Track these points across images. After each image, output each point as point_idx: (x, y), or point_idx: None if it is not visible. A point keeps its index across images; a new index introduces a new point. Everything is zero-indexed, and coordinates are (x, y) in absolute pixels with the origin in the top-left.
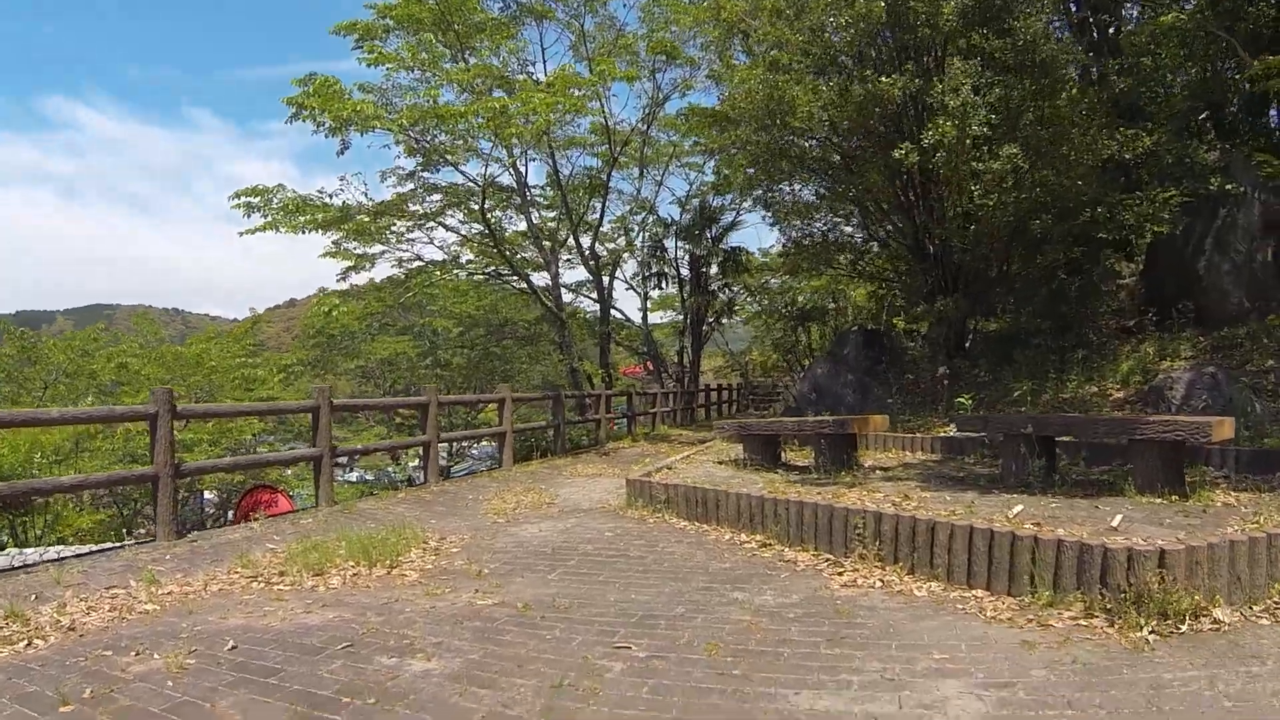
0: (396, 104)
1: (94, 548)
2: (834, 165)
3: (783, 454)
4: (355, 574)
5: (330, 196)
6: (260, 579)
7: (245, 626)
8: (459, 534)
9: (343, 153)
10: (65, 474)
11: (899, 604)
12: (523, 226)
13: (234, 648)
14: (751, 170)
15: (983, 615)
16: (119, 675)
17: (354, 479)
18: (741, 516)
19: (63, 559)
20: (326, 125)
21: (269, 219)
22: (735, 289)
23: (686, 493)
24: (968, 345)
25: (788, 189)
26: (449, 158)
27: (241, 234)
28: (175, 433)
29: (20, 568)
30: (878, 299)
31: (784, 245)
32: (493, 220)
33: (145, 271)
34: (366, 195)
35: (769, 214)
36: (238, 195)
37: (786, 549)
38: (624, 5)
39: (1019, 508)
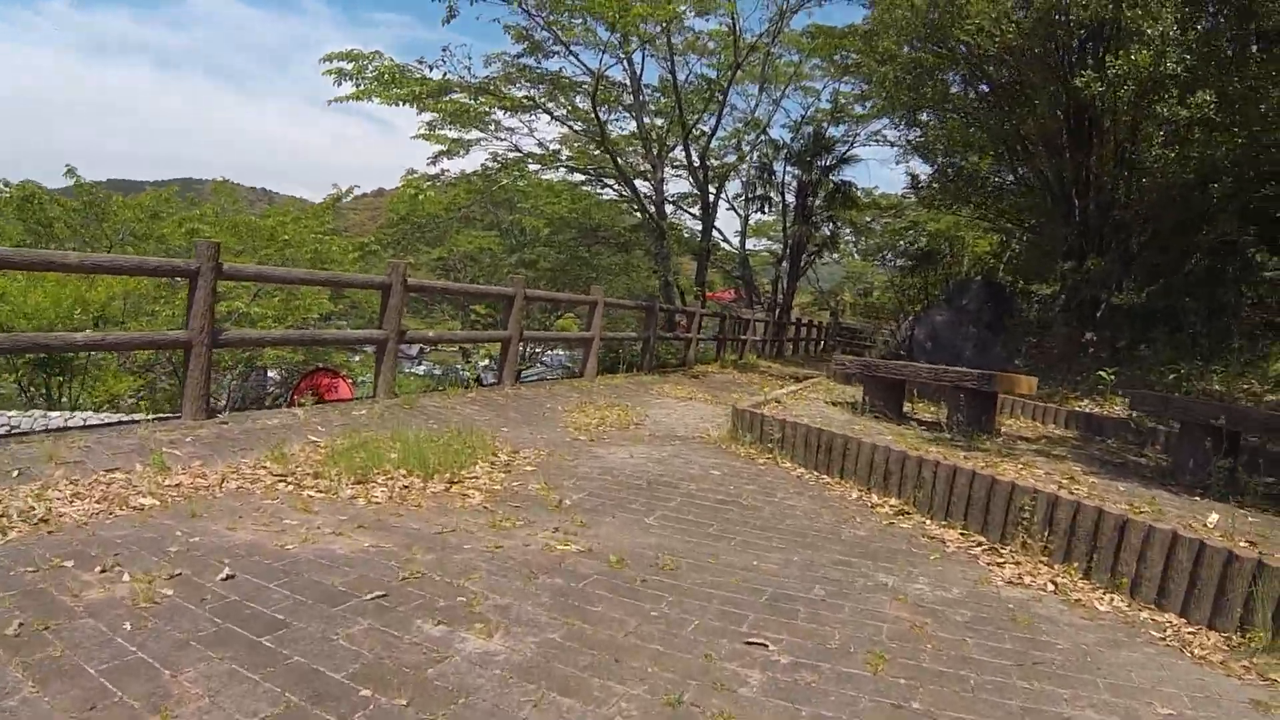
0: None
1: (113, 418)
2: (996, 90)
3: (906, 405)
4: (406, 486)
5: (430, 68)
6: (290, 479)
7: (253, 546)
8: (535, 448)
9: (449, 19)
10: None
11: (1083, 620)
12: (629, 129)
13: (229, 578)
14: (890, 95)
15: (1188, 652)
16: (68, 603)
17: (420, 372)
18: (874, 473)
19: (67, 428)
20: None
21: (362, 87)
22: (840, 224)
23: (807, 434)
24: (1099, 315)
25: (931, 116)
26: (562, 36)
27: (331, 102)
28: (241, 305)
29: (13, 434)
30: (998, 252)
31: (916, 179)
32: (602, 115)
33: (237, 148)
34: (470, 71)
35: (902, 143)
36: (329, 58)
37: (929, 521)
38: None
39: (1215, 516)
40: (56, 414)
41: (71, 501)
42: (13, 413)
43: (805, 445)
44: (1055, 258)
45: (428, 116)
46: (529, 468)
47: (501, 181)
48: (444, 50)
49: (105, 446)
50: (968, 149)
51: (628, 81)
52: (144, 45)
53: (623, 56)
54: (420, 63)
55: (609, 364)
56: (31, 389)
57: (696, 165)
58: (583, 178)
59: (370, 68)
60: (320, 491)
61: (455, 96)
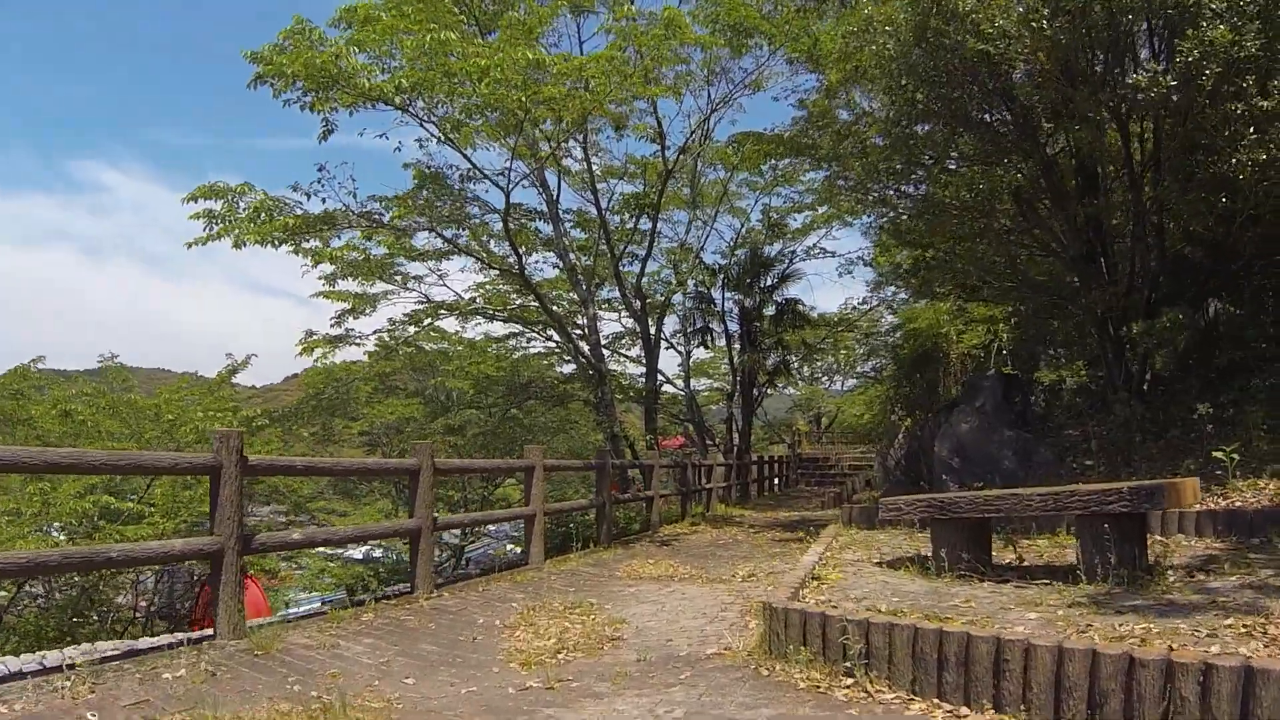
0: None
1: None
2: (1018, 117)
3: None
4: None
5: (307, 196)
6: None
7: None
8: None
9: (326, 137)
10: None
11: None
12: (551, 274)
13: None
14: (864, 173)
15: None
16: None
17: (359, 556)
18: (1071, 697)
19: None
20: (298, 88)
21: (231, 227)
22: (788, 349)
23: (914, 637)
24: (1156, 382)
25: (915, 187)
26: (460, 146)
27: (190, 245)
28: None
29: None
30: (986, 344)
31: (899, 266)
32: (520, 252)
33: (166, 335)
34: (355, 197)
35: (873, 231)
36: (193, 197)
37: None
38: None
39: None
40: None
41: None
42: None
43: (915, 658)
44: (1056, 337)
45: (327, 269)
46: None
47: (412, 335)
48: (320, 170)
49: None
50: (973, 210)
51: (543, 206)
52: (68, 233)
53: (535, 167)
54: (295, 189)
55: (559, 541)
56: None
57: (632, 297)
58: (507, 330)
59: (241, 204)
60: None
61: (349, 239)
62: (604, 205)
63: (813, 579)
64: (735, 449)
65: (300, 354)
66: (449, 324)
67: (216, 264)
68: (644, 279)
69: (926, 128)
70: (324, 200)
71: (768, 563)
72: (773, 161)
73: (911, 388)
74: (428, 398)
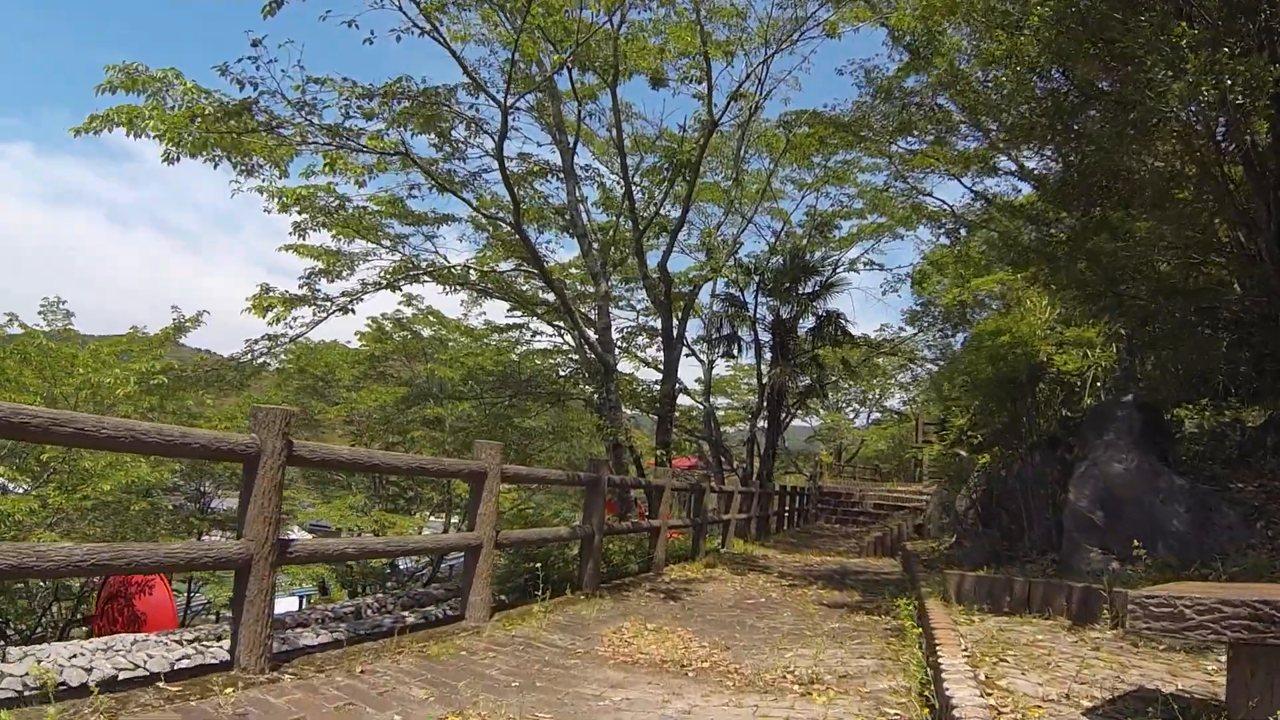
0: None
1: None
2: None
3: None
4: None
5: (240, 85)
6: None
7: None
8: None
9: (274, 10)
10: None
11: None
12: (562, 256)
13: None
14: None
15: None
16: None
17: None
18: None
19: None
20: None
21: (138, 118)
22: (825, 368)
23: None
24: None
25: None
26: (441, 27)
27: (78, 131)
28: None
29: None
30: (1094, 367)
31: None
32: (512, 183)
33: (187, 307)
34: (303, 92)
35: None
36: (110, 87)
37: None
38: None
39: None
40: None
41: None
42: None
43: None
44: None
45: (298, 219)
46: None
47: (407, 318)
48: (255, 47)
49: None
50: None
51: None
52: (98, 199)
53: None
54: (223, 73)
55: (521, 582)
56: None
57: (656, 275)
58: (509, 321)
59: (170, 99)
60: None
61: (310, 171)
62: (631, 173)
63: None
64: (754, 475)
65: (250, 311)
66: (451, 310)
67: (239, 239)
68: (670, 260)
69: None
70: (256, 89)
71: (832, 650)
72: (822, 158)
73: (991, 417)
74: (417, 387)
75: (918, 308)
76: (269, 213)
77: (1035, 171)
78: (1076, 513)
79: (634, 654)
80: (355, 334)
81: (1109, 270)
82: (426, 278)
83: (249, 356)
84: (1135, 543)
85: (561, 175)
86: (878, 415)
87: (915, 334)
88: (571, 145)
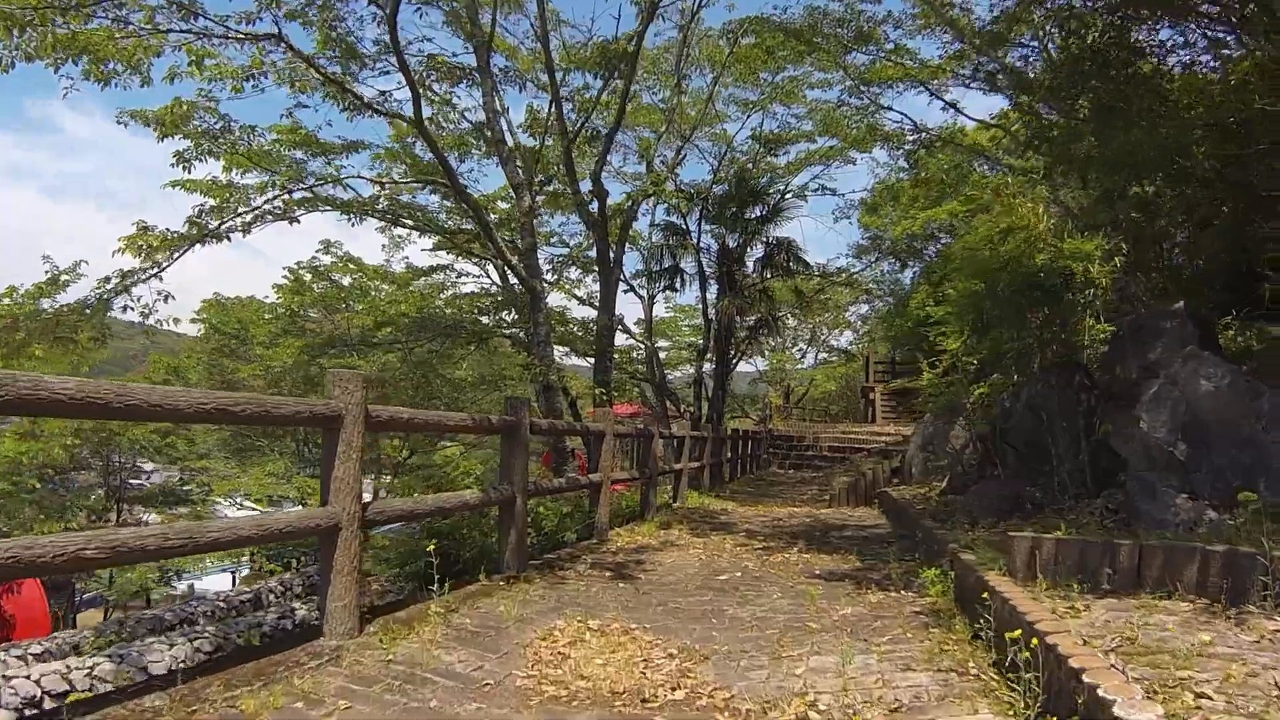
0: None
1: None
2: None
3: None
4: None
5: None
6: None
7: None
8: None
9: None
10: None
11: None
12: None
13: None
14: None
15: None
16: None
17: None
18: None
19: None
20: None
21: None
22: (775, 303)
23: None
24: None
25: None
26: None
27: None
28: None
29: None
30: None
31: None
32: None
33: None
34: None
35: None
36: None
37: None
38: None
39: None
40: None
41: None
42: None
43: None
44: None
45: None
46: None
47: (324, 265)
48: None
49: None
50: None
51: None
52: (32, 170)
53: None
54: None
55: (422, 566)
56: None
57: (588, 191)
58: (434, 262)
59: None
60: None
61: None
62: (559, 77)
63: None
64: (703, 419)
65: (123, 253)
66: (372, 257)
67: (170, 206)
68: (606, 185)
69: None
70: None
71: (861, 656)
72: (770, 73)
73: (994, 339)
74: (326, 337)
75: (865, 242)
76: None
77: (1019, 69)
78: (1150, 446)
79: (570, 681)
80: (272, 287)
81: (1137, 153)
82: (326, 206)
83: (101, 296)
84: (1225, 483)
85: (476, 74)
86: (824, 355)
87: (863, 269)
88: (487, 37)
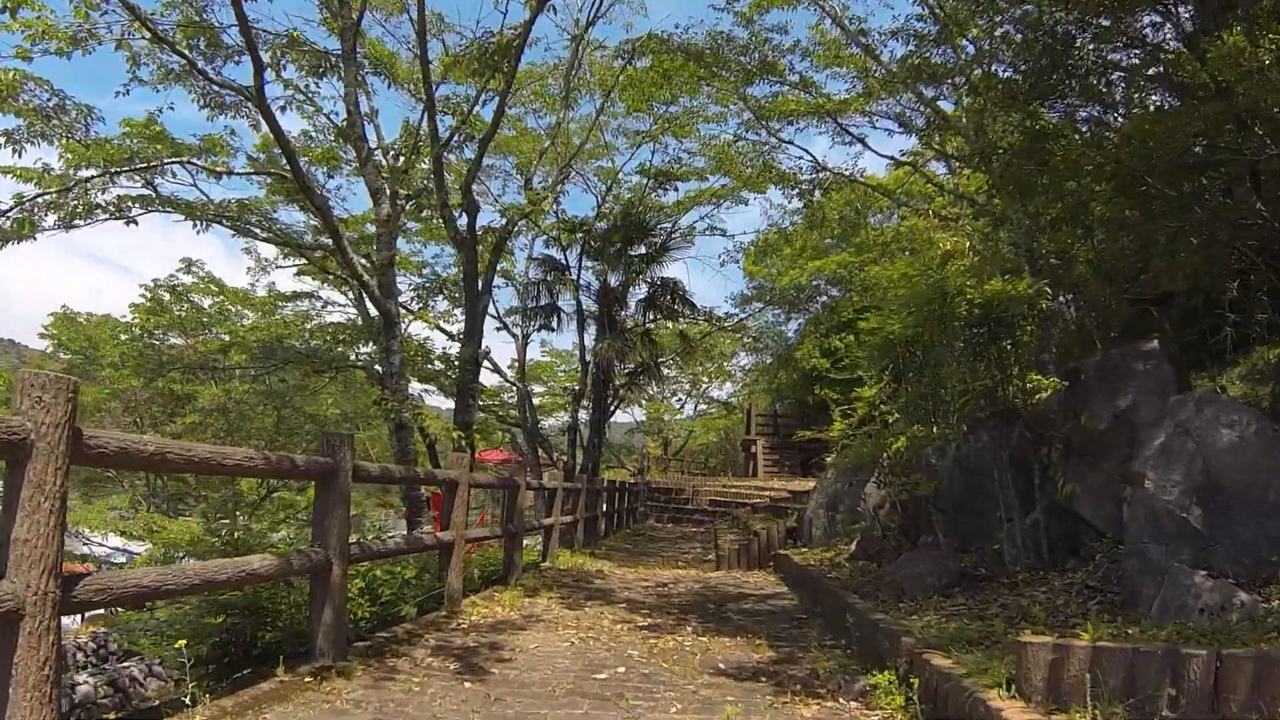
0: None
1: None
2: None
3: None
4: None
5: None
6: None
7: None
8: None
9: None
10: None
11: None
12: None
13: None
14: None
15: None
16: None
17: None
18: None
19: None
20: None
21: None
22: (659, 348)
23: None
24: None
25: None
26: None
27: None
28: None
29: None
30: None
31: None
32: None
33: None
34: None
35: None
36: None
37: None
38: None
39: None
40: None
41: None
42: None
43: None
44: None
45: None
46: None
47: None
48: None
49: None
50: None
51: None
52: None
53: None
54: None
55: (215, 647)
56: None
57: (455, 211)
58: (299, 288)
59: None
60: None
61: None
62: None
63: None
64: (578, 469)
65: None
66: (236, 280)
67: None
68: (483, 199)
69: None
70: None
71: None
72: (662, 103)
73: (912, 382)
74: (187, 366)
75: (749, 291)
76: None
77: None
78: (1157, 510)
79: None
80: (129, 306)
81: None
82: (167, 207)
83: None
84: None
85: (341, 64)
86: (704, 406)
87: (746, 317)
88: (356, 19)
